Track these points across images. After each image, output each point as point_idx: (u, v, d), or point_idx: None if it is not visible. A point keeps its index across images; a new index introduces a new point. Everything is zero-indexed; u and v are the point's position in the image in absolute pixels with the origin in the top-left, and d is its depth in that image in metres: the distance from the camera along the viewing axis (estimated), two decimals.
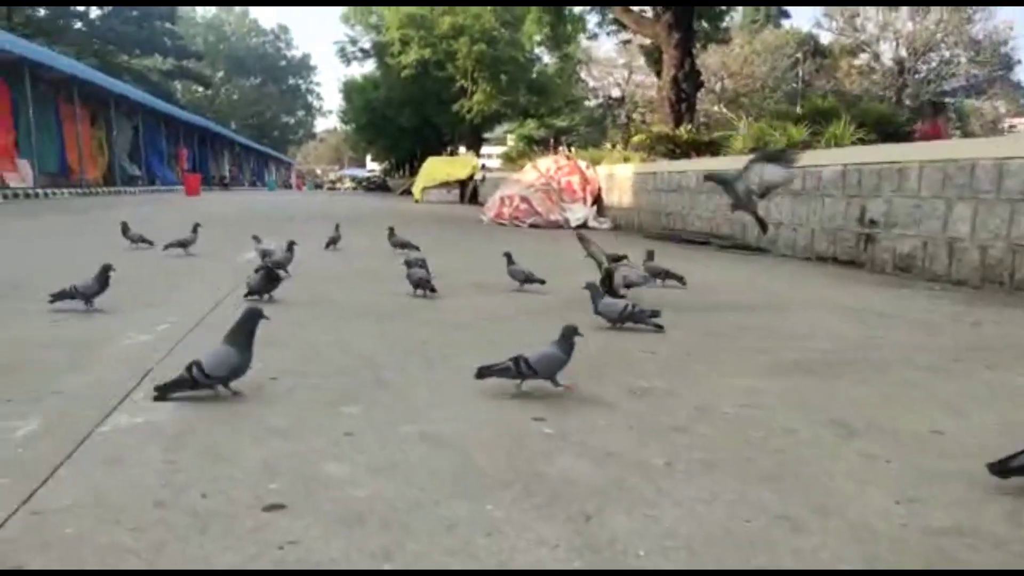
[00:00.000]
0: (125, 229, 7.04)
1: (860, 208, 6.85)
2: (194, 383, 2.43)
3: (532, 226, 12.70)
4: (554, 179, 13.85)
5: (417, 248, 6.57)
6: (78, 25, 50.61)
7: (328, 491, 1.76)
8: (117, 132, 33.41)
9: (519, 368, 2.51)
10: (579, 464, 1.96)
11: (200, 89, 73.95)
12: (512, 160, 29.33)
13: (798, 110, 14.04)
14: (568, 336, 2.59)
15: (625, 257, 6.50)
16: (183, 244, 6.79)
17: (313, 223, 11.68)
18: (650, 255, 5.47)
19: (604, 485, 1.83)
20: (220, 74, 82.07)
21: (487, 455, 2.01)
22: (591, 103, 56.43)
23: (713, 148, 12.56)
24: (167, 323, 3.70)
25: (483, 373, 2.55)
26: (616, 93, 56.55)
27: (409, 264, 4.92)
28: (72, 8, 49.72)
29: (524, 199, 13.29)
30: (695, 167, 10.18)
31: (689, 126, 14.41)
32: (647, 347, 3.38)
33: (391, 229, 7.31)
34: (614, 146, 17.92)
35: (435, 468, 1.92)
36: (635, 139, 14.68)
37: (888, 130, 9.49)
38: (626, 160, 13.91)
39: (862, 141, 8.65)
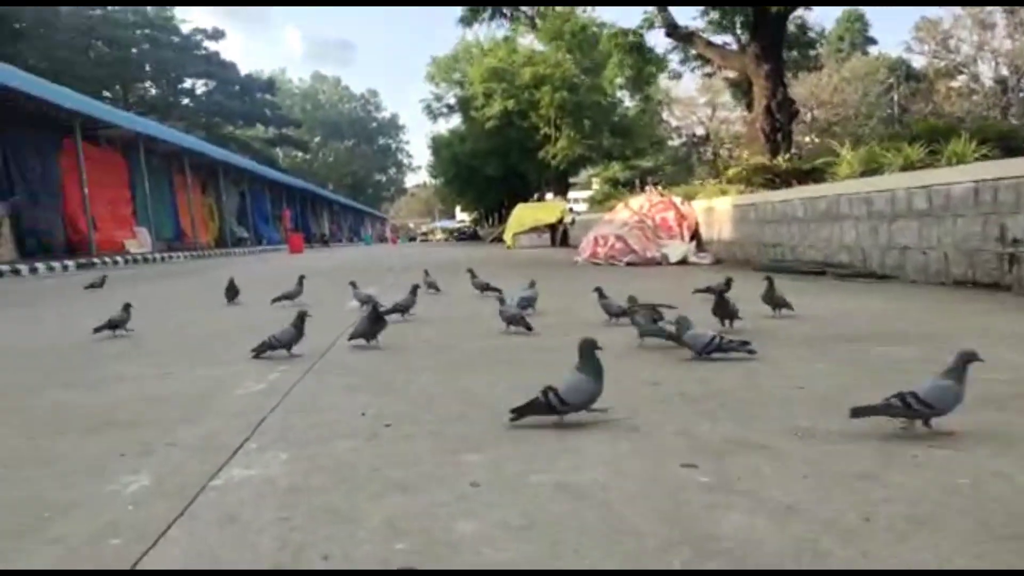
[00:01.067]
0: (231, 290, 7.20)
1: (999, 227, 6.19)
2: (549, 408, 2.45)
3: (629, 264, 12.35)
4: (648, 216, 13.51)
5: (499, 290, 6.54)
6: (186, 101, 54.71)
7: (461, 554, 1.52)
8: (226, 198, 35.53)
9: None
10: (755, 522, 1.64)
11: (299, 154, 78.22)
12: (599, 203, 29.15)
13: (910, 138, 13.23)
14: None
15: (730, 280, 6.14)
16: (290, 296, 6.90)
17: (410, 272, 11.76)
18: (770, 284, 5.06)
19: (793, 548, 1.50)
20: (317, 139, 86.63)
21: (638, 510, 1.72)
22: (675, 143, 55.84)
23: (815, 176, 11.92)
24: (278, 372, 3.61)
25: None
26: (700, 131, 55.79)
27: (502, 302, 4.89)
28: (180, 85, 53.88)
29: (619, 238, 12.99)
30: (801, 195, 9.64)
31: (787, 155, 13.81)
32: (792, 383, 3.00)
33: (471, 271, 7.31)
34: (703, 182, 17.43)
35: (580, 526, 1.65)
36: (730, 172, 14.17)
37: (1012, 145, 8.69)
38: (723, 193, 13.42)
39: (985, 157, 7.93)
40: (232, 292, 7.20)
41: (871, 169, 8.94)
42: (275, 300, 6.81)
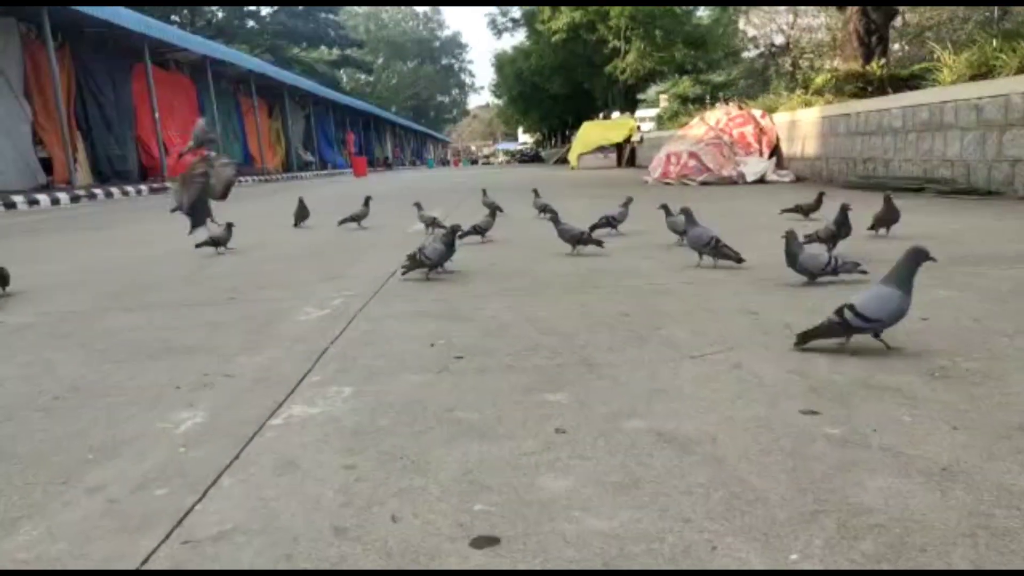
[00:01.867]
0: (301, 212, 7.07)
1: None
2: (847, 328, 2.13)
3: (703, 183, 11.73)
4: (725, 132, 12.72)
5: (555, 212, 6.22)
6: (251, 24, 54.46)
7: (554, 521, 1.28)
8: (291, 122, 35.58)
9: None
10: (907, 486, 1.35)
11: (362, 76, 77.50)
12: (668, 120, 27.92)
13: (995, 41, 11.85)
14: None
15: (822, 195, 5.63)
16: (356, 218, 6.78)
17: (475, 195, 11.48)
18: (888, 202, 4.46)
19: (963, 524, 1.21)
20: (380, 60, 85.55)
21: (758, 469, 1.45)
22: (750, 54, 52.66)
23: (912, 84, 10.89)
24: (342, 296, 3.44)
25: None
26: (779, 40, 52.35)
27: (556, 222, 4.57)
28: (246, 8, 53.54)
29: (693, 155, 12.32)
30: (901, 103, 8.79)
31: (882, 61, 12.65)
32: (913, 312, 2.62)
33: (535, 191, 7.08)
34: (785, 95, 16.25)
35: (691, 487, 1.38)
36: (819, 80, 13.10)
37: None
38: (807, 105, 12.46)
39: None
40: (302, 214, 7.07)
41: (981, 73, 8.02)
42: (342, 222, 6.72)
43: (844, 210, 3.91)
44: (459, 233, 4.17)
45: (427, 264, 3.81)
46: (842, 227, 3.90)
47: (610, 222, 5.33)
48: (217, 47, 27.77)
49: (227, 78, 28.66)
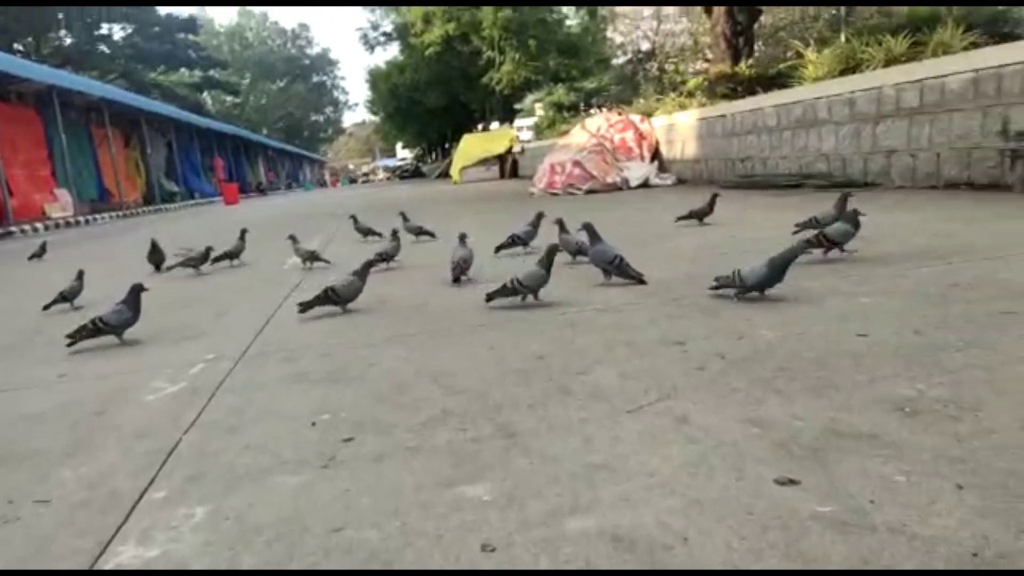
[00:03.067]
0: (155, 253, 6.21)
1: (1001, 120, 5.68)
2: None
3: (590, 192, 11.67)
4: (606, 138, 12.76)
5: (432, 234, 6.15)
6: (102, 48, 50.91)
7: None
8: (152, 150, 33.30)
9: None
10: None
11: (229, 98, 74.14)
12: (545, 129, 28.18)
13: (842, 36, 12.59)
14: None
15: (715, 198, 5.53)
16: (231, 256, 6.07)
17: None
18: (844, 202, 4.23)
19: None
20: (247, 81, 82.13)
21: None
22: (619, 60, 54.32)
23: (779, 82, 11.28)
24: (204, 361, 2.89)
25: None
26: (645, 46, 54.32)
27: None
28: (96, 32, 50.00)
29: (576, 163, 12.25)
30: (775, 101, 9.00)
31: (750, 61, 13.09)
32: (847, 327, 2.41)
33: (403, 214, 6.55)
34: (658, 99, 16.61)
35: None
36: (691, 83, 13.41)
37: (1000, 31, 8.14)
38: (683, 108, 12.71)
39: (974, 46, 7.39)
40: (156, 256, 6.22)
41: (849, 68, 8.32)
42: (215, 260, 5.97)
43: (844, 199, 3.99)
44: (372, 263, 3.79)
45: (337, 302, 3.45)
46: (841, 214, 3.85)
47: (516, 241, 4.96)
48: (63, 75, 25.60)
49: (77, 108, 26.44)
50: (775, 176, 8.66)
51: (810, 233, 3.70)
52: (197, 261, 5.72)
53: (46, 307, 4.44)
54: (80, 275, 4.61)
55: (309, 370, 2.59)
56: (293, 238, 5.58)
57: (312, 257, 5.40)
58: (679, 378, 2.08)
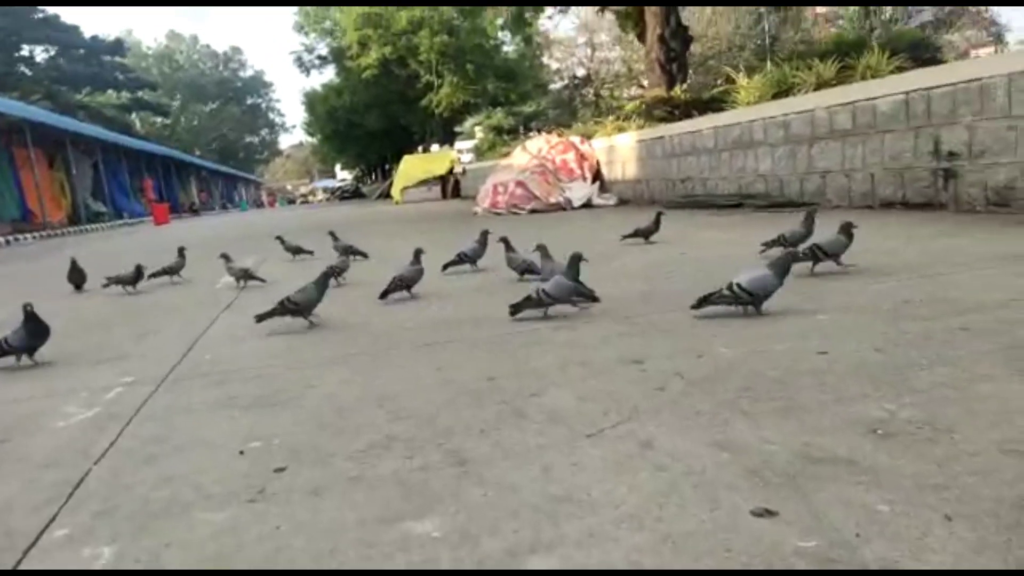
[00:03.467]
0: (75, 273, 5.85)
1: (933, 140, 5.86)
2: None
3: (533, 211, 11.63)
4: (548, 159, 12.77)
5: (365, 254, 5.99)
6: (22, 70, 48.93)
7: None
8: (77, 171, 31.92)
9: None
10: None
11: (159, 119, 71.99)
12: (486, 151, 28.24)
13: (768, 64, 13.05)
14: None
15: (660, 216, 5.51)
16: (170, 271, 5.85)
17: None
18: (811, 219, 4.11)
19: None
20: (177, 103, 79.96)
21: None
22: (556, 85, 55.08)
23: (713, 106, 11.54)
24: (122, 384, 2.64)
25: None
26: (581, 72, 55.27)
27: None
28: (16, 53, 48.01)
29: (519, 183, 12.20)
30: (712, 123, 9.15)
31: (684, 86, 13.37)
32: (807, 345, 2.35)
33: (332, 233, 6.33)
34: (597, 121, 16.80)
35: None
36: (628, 107, 13.60)
37: (922, 56, 8.50)
38: (621, 130, 12.86)
39: (900, 69, 7.68)
40: (77, 276, 5.84)
41: (782, 91, 8.54)
42: (152, 275, 5.70)
43: (811, 216, 4.06)
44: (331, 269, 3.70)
45: (296, 311, 3.32)
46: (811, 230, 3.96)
47: (464, 259, 4.83)
48: None
49: None
50: (716, 196, 8.77)
51: (778, 251, 3.67)
52: (130, 280, 5.40)
53: None
54: None
55: (239, 394, 2.38)
56: (226, 256, 5.32)
57: (246, 276, 5.16)
58: (639, 399, 1.96)
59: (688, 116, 11.32)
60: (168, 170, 46.79)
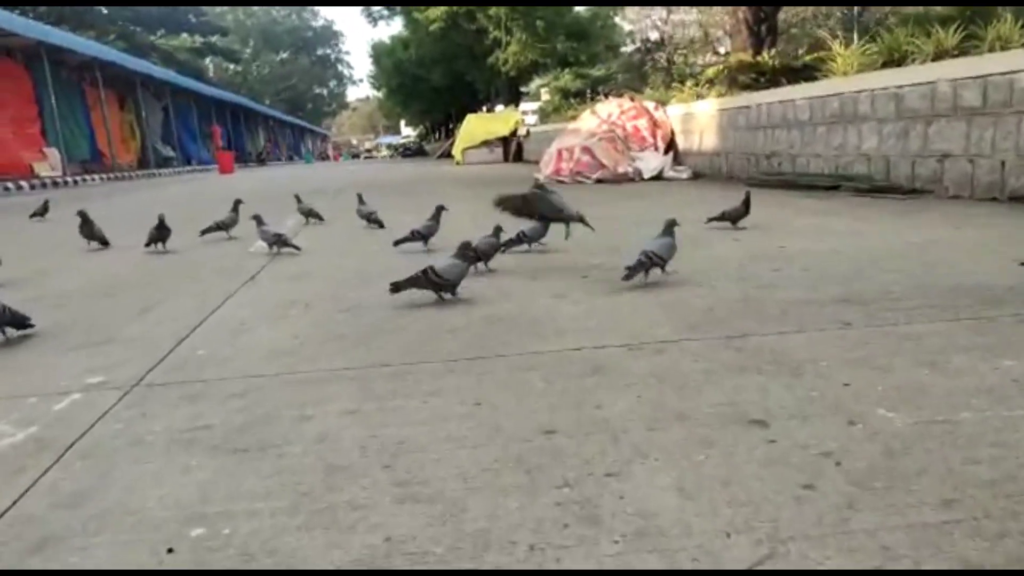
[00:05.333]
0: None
1: None
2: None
3: (599, 181, 10.84)
4: (618, 125, 11.90)
5: (381, 223, 5.69)
6: (100, 8, 49.71)
7: None
8: (147, 114, 32.31)
9: None
10: None
11: (231, 66, 72.77)
12: (551, 113, 27.29)
13: (855, 36, 11.74)
14: None
15: (748, 197, 4.77)
16: (223, 226, 5.57)
17: (347, 193, 10.06)
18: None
19: None
20: (249, 50, 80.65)
21: None
22: (627, 48, 53.08)
23: (806, 75, 10.43)
24: (83, 387, 2.11)
25: None
26: (654, 36, 53.10)
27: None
28: None
29: (586, 150, 11.40)
30: (808, 93, 8.16)
31: (773, 52, 12.24)
32: (1015, 413, 1.63)
33: (359, 196, 6.07)
34: (668, 88, 15.70)
35: None
36: (710, 71, 12.55)
37: None
38: (700, 97, 11.86)
39: None
40: (161, 232, 5.05)
41: (892, 60, 7.49)
42: (204, 231, 5.52)
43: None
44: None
45: (442, 286, 2.98)
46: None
47: (415, 236, 4.44)
48: (52, 31, 24.50)
49: (69, 67, 25.46)
50: (808, 176, 7.84)
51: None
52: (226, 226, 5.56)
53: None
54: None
55: (212, 422, 1.80)
56: (258, 219, 4.79)
57: (279, 242, 4.63)
58: (779, 506, 1.29)
59: (776, 84, 10.28)
60: (237, 118, 47.26)
